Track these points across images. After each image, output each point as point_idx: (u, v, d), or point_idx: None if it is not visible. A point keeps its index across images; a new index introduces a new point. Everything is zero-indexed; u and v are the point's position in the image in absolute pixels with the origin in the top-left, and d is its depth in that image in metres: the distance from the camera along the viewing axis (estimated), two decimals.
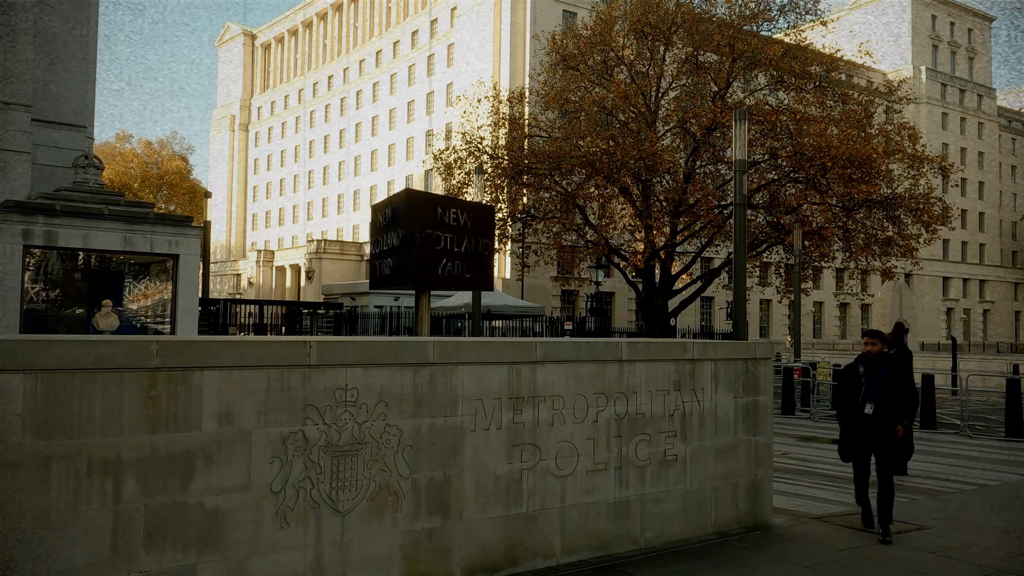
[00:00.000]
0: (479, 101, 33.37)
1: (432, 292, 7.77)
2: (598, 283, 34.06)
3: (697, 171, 29.26)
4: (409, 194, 7.17)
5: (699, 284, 33.70)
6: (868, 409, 7.38)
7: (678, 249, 31.29)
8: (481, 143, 29.84)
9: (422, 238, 6.91)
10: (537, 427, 6.08)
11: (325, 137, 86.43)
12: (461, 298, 28.58)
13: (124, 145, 78.09)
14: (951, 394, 23.03)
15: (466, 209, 7.34)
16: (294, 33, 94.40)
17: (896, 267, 30.75)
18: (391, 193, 71.88)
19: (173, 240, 12.79)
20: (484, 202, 26.07)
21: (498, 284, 48.69)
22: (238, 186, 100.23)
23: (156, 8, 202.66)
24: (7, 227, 11.51)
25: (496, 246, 30.48)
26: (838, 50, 32.31)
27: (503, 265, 52.12)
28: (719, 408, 7.31)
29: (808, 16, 30.18)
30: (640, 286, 31.23)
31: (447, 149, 30.91)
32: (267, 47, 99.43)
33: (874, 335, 7.71)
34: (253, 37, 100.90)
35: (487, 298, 27.05)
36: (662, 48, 29.38)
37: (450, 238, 7.10)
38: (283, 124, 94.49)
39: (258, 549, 4.77)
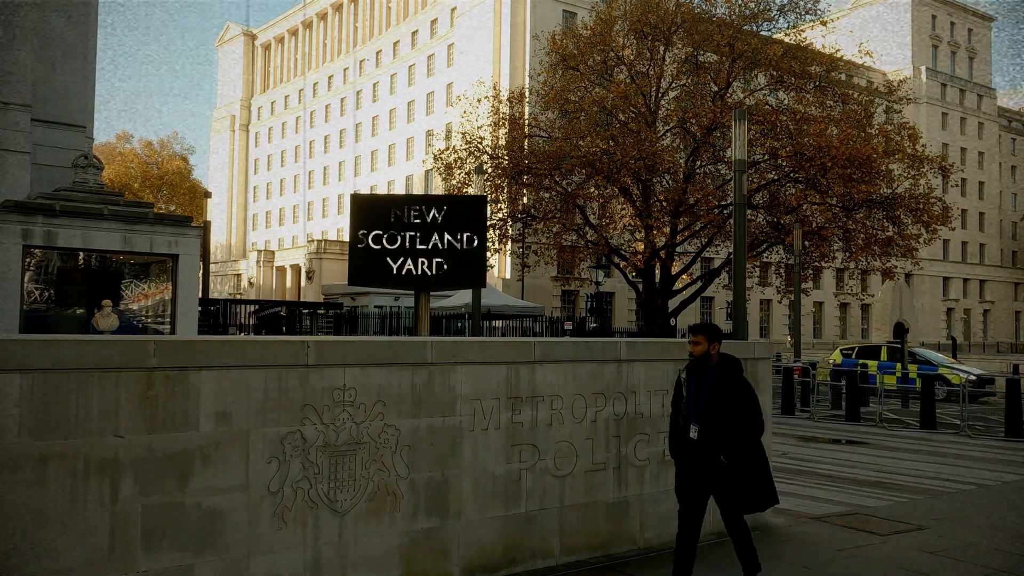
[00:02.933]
0: (479, 101, 33.37)
1: (432, 292, 7.73)
2: (598, 283, 34.06)
3: (697, 171, 29.26)
4: (352, 198, 7.23)
5: (699, 284, 33.71)
6: (692, 432, 5.42)
7: (678, 249, 31.29)
8: (481, 143, 29.84)
9: (368, 240, 6.92)
10: (536, 427, 6.07)
11: (325, 137, 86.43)
12: (461, 298, 28.57)
13: (124, 145, 78.07)
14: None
15: (437, 204, 7.20)
16: (294, 33, 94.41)
17: (896, 267, 30.75)
18: (391, 193, 71.89)
19: (173, 240, 12.78)
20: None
21: (498, 284, 48.67)
22: (238, 186, 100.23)
23: (156, 8, 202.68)
24: (7, 227, 11.50)
25: (496, 246, 30.50)
26: (838, 50, 32.30)
27: (503, 265, 52.09)
28: None
29: (808, 16, 30.20)
30: (640, 286, 31.23)
31: (447, 149, 30.92)
32: (267, 47, 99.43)
33: (698, 331, 5.59)
34: (253, 37, 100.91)
35: (487, 298, 27.05)
36: (662, 48, 29.39)
37: (411, 236, 7.02)
38: (283, 124, 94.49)
39: (256, 549, 4.77)
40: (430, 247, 7.04)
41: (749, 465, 5.38)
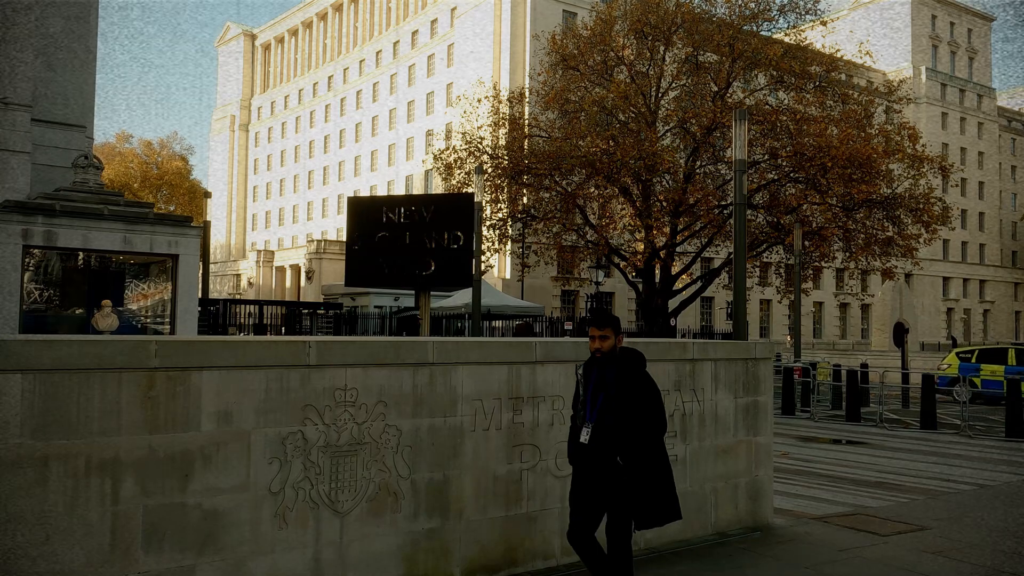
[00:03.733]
0: (479, 101, 33.38)
1: (432, 292, 7.73)
2: (598, 283, 34.05)
3: (697, 171, 29.27)
4: (348, 201, 7.23)
5: (699, 284, 33.71)
6: (584, 435, 4.88)
7: (678, 249, 31.29)
8: (481, 143, 29.85)
9: (362, 242, 6.93)
10: (537, 427, 6.07)
11: (325, 137, 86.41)
12: (461, 298, 28.56)
13: (124, 145, 78.00)
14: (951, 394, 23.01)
15: (426, 203, 7.16)
16: (294, 33, 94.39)
17: (896, 267, 30.75)
18: (391, 193, 71.91)
19: (173, 240, 12.78)
20: (484, 202, 26.10)
21: (498, 284, 48.66)
22: (238, 186, 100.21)
23: (156, 8, 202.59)
24: (7, 227, 11.49)
25: (496, 246, 30.51)
26: (838, 50, 32.33)
27: (503, 265, 52.09)
28: (719, 408, 7.30)
29: (808, 16, 30.20)
30: (640, 286, 31.23)
31: (447, 149, 30.93)
32: (267, 47, 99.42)
33: (605, 323, 5.02)
34: (253, 37, 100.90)
35: (487, 298, 27.03)
36: (662, 48, 29.39)
37: (400, 236, 7.00)
38: (283, 124, 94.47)
39: (257, 550, 4.76)
40: (418, 247, 7.01)
41: (649, 471, 4.80)
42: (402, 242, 7.00)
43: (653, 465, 4.83)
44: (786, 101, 29.46)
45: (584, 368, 5.07)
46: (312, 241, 66.58)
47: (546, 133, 30.35)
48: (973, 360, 23.77)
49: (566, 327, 35.39)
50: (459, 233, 7.04)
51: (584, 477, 4.92)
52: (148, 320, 13.51)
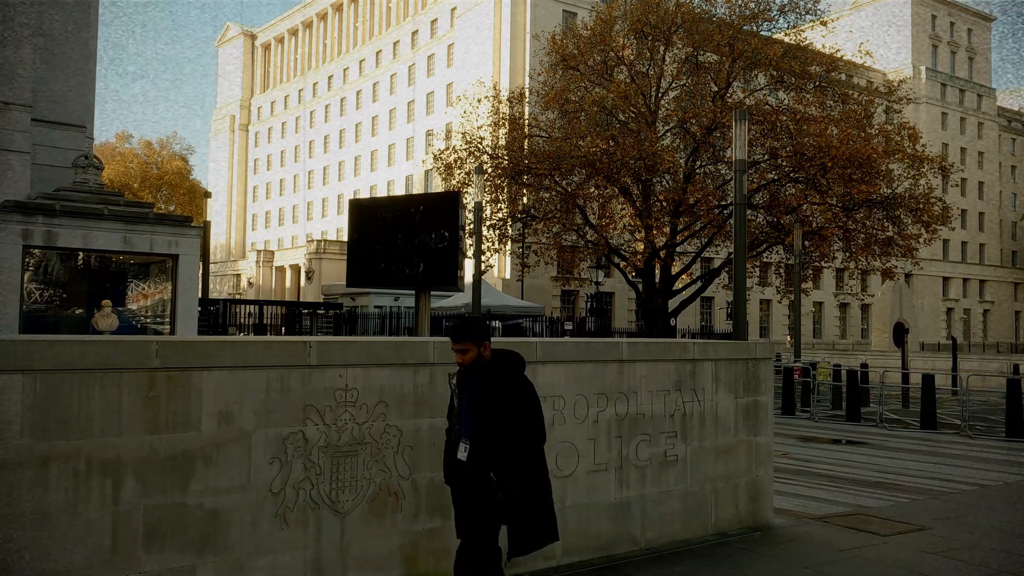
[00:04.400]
0: (479, 101, 33.38)
1: (432, 292, 7.73)
2: (598, 283, 34.07)
3: (697, 171, 29.27)
4: (349, 204, 7.27)
5: (699, 284, 33.72)
6: (462, 452, 4.41)
7: (678, 249, 31.30)
8: (481, 143, 29.85)
9: (362, 243, 6.96)
10: None
11: (325, 137, 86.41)
12: (461, 298, 28.59)
13: (124, 145, 78.02)
14: (951, 394, 23.02)
15: (416, 203, 7.17)
16: (294, 33, 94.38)
17: (896, 267, 30.76)
18: (391, 194, 71.90)
19: (173, 240, 12.77)
20: (484, 202, 26.10)
21: (498, 284, 48.66)
22: (238, 186, 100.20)
23: (156, 8, 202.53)
24: (6, 227, 11.49)
25: (496, 246, 30.51)
26: (838, 50, 32.32)
27: (503, 265, 52.09)
28: (720, 408, 7.30)
29: (808, 16, 30.21)
30: (640, 286, 31.24)
31: (447, 149, 30.94)
32: (267, 47, 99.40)
33: (461, 336, 4.43)
34: (253, 37, 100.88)
35: (487, 298, 27.07)
36: (662, 48, 29.40)
37: (393, 237, 7.01)
38: (283, 124, 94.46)
39: (258, 550, 4.76)
40: (408, 247, 7.03)
41: (526, 489, 4.29)
42: (395, 243, 7.03)
43: (529, 481, 4.31)
44: (786, 101, 29.46)
45: (457, 377, 4.52)
46: (312, 241, 66.56)
47: (546, 133, 30.35)
48: None
49: (566, 327, 35.39)
50: (445, 232, 7.01)
51: (464, 498, 4.44)
52: (148, 320, 13.50)
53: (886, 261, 29.20)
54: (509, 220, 30.46)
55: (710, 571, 6.25)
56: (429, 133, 67.18)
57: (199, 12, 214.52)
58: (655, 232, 28.72)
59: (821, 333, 71.90)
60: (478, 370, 4.43)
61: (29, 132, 14.28)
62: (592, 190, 29.42)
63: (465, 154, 29.72)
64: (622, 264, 31.10)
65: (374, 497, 5.22)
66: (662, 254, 29.65)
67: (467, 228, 7.57)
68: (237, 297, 63.58)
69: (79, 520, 4.22)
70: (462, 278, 7.46)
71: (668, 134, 29.84)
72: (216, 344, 4.94)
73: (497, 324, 33.27)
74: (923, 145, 30.54)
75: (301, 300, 54.70)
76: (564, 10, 56.51)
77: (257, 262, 73.21)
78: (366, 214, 7.19)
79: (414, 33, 74.47)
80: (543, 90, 30.97)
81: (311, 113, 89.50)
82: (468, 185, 28.34)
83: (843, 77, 32.82)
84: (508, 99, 32.24)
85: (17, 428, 4.07)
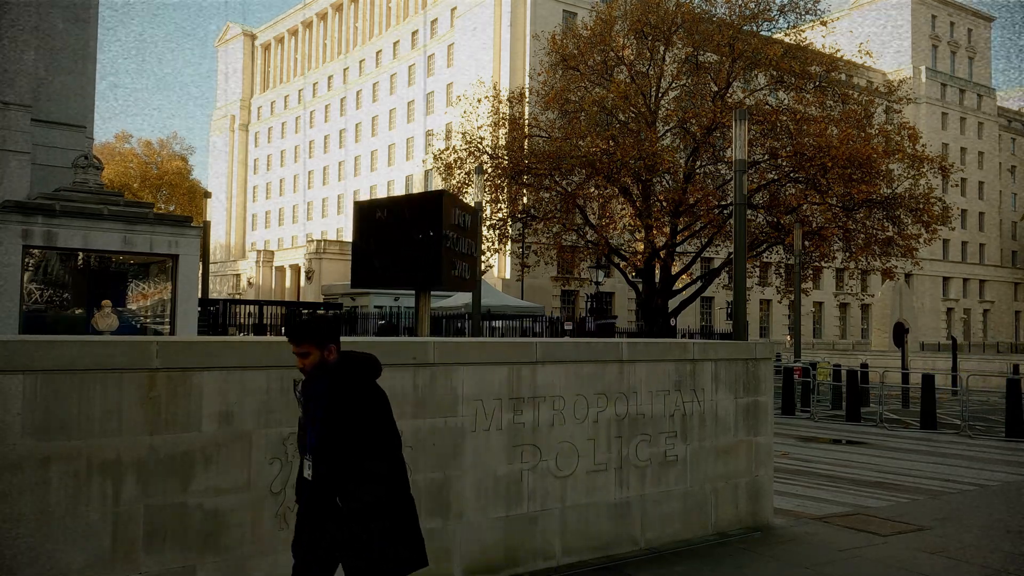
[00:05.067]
0: (479, 101, 33.40)
1: (432, 292, 7.73)
2: (598, 283, 34.07)
3: (697, 171, 29.29)
4: (354, 206, 7.30)
5: (699, 284, 33.74)
6: (307, 469, 3.77)
7: (678, 249, 31.31)
8: (481, 143, 29.87)
9: (363, 244, 7.01)
10: (537, 428, 6.07)
11: (325, 137, 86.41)
12: (461, 298, 28.56)
13: (124, 145, 78.02)
14: (951, 394, 23.03)
15: (406, 203, 7.21)
16: (294, 33, 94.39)
17: (896, 267, 30.76)
18: (390, 193, 71.91)
19: (173, 240, 12.77)
20: (484, 202, 26.10)
21: (498, 284, 48.65)
22: (238, 186, 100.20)
23: (156, 8, 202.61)
24: (6, 227, 11.49)
25: (496, 246, 30.52)
26: (838, 50, 32.34)
27: (503, 265, 52.10)
28: (719, 408, 7.31)
29: (808, 16, 30.23)
30: (640, 286, 31.25)
31: (447, 149, 30.95)
32: (267, 47, 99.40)
33: (301, 338, 3.80)
34: (253, 37, 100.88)
35: (487, 298, 27.03)
36: (662, 48, 29.41)
37: (386, 238, 7.08)
38: (283, 124, 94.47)
39: (258, 550, 4.76)
40: (400, 247, 7.07)
41: (374, 512, 3.63)
42: (390, 243, 7.08)
43: (381, 505, 3.66)
44: (786, 101, 29.48)
45: (303, 385, 3.89)
46: (312, 241, 66.54)
47: (546, 133, 30.36)
48: None
49: (566, 327, 35.39)
50: (431, 232, 7.01)
51: (308, 520, 3.75)
52: (148, 320, 13.50)
53: (886, 261, 29.22)
54: (509, 220, 30.48)
55: (710, 571, 6.25)
56: (429, 133, 67.19)
57: (199, 12, 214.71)
58: (655, 232, 28.73)
59: (821, 333, 71.91)
60: (321, 375, 3.78)
61: (29, 132, 14.28)
62: (592, 190, 29.43)
63: (465, 154, 29.73)
64: (622, 264, 31.11)
65: None
66: (662, 254, 29.66)
67: (466, 227, 7.57)
68: (237, 297, 63.58)
69: (80, 520, 4.22)
70: (458, 278, 7.45)
71: (668, 134, 29.86)
72: (216, 344, 4.94)
73: (498, 324, 33.29)
74: (923, 145, 30.56)
75: (301, 300, 54.69)
76: (564, 10, 56.51)
77: (257, 262, 73.19)
78: (368, 215, 7.22)
79: (414, 33, 74.47)
80: (543, 90, 30.99)
81: (311, 113, 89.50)
82: (468, 185, 28.36)
83: (843, 77, 32.84)
84: (508, 99, 32.26)
85: (17, 428, 4.07)
